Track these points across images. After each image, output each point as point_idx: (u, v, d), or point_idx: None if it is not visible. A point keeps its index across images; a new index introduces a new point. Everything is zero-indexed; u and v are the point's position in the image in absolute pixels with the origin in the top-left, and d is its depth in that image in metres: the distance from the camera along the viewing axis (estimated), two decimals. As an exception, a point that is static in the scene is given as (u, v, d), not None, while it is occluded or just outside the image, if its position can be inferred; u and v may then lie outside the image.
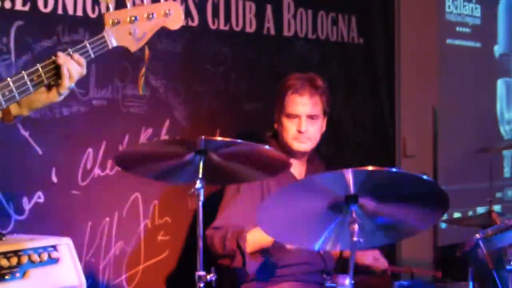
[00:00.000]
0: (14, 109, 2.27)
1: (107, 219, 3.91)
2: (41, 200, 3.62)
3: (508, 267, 3.45)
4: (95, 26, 3.70)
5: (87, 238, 3.82)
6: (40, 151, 3.60)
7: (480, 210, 5.46)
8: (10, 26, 3.51)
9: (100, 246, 3.88)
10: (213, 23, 4.40)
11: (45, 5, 3.63)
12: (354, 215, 2.98)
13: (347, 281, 2.98)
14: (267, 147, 3.35)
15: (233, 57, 4.49)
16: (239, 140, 3.19)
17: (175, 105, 4.18)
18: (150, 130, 4.07)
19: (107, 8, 2.34)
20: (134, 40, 2.36)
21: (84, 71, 2.27)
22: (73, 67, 2.21)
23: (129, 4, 2.33)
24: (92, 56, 2.28)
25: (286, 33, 4.79)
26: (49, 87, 2.25)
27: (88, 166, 3.83)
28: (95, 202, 3.86)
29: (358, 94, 5.24)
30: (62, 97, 2.26)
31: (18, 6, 3.54)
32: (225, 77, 4.46)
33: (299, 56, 4.80)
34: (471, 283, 3.58)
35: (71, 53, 2.23)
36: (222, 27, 4.44)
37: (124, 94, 3.96)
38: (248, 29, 4.58)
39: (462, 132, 5.52)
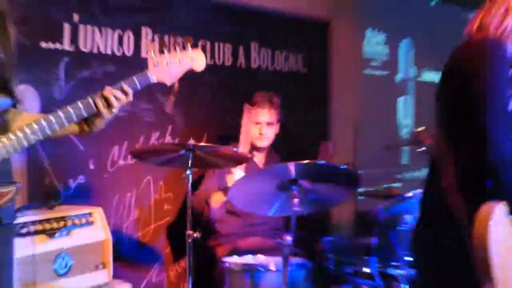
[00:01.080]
0: (86, 127, 2.22)
1: (128, 194, 3.94)
2: (82, 181, 3.67)
3: (400, 227, 3.44)
4: (120, 61, 3.77)
5: (114, 207, 3.85)
6: (82, 147, 3.62)
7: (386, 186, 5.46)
8: (61, 60, 3.52)
9: (123, 213, 3.91)
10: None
11: (85, 46, 3.64)
12: (295, 192, 3.03)
13: (289, 237, 2.99)
14: (234, 148, 3.47)
15: (218, 82, 4.48)
16: (214, 144, 3.51)
17: (176, 115, 4.16)
18: (158, 133, 4.06)
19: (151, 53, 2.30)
20: (169, 77, 2.32)
21: (131, 98, 2.21)
22: (118, 95, 2.16)
23: (165, 51, 2.29)
24: (138, 87, 2.23)
25: (253, 65, 4.78)
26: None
27: (115, 158, 3.86)
28: (119, 182, 3.89)
29: (303, 109, 5.21)
30: (111, 116, 2.20)
31: (66, 46, 3.54)
32: (212, 96, 4.45)
33: (262, 82, 4.76)
34: (375, 239, 3.58)
35: (122, 84, 2.18)
36: (209, 62, 4.43)
37: (140, 108, 3.96)
38: (227, 63, 4.56)
39: (375, 135, 5.53)
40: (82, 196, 3.60)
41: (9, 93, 2.04)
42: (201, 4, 4.36)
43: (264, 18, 4.84)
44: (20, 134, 1.97)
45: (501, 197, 2.05)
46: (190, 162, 3.09)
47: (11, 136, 1.97)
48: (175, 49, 2.35)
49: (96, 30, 3.72)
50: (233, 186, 3.31)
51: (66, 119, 2.07)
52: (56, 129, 2.05)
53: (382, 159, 5.67)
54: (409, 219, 3.41)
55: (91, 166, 3.71)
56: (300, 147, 5.06)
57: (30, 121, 2.03)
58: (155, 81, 2.28)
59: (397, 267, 3.37)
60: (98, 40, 3.73)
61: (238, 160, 3.51)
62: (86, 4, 3.66)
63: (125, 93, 2.17)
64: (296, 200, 3.05)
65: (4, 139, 1.95)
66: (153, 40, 4.02)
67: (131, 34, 3.91)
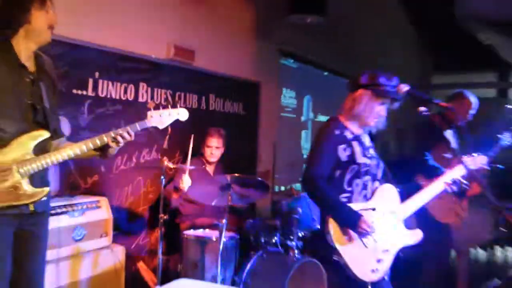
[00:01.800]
0: (102, 153, 2.21)
1: (126, 188, 3.85)
2: (96, 178, 3.58)
3: (295, 216, 3.43)
4: (125, 103, 3.72)
5: (117, 195, 3.76)
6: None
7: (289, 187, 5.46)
8: (85, 102, 3.47)
9: (123, 199, 3.83)
10: (178, 103, 4.36)
11: (102, 93, 3.59)
12: (230, 192, 3.04)
13: (224, 220, 3.00)
14: (192, 167, 3.47)
15: (190, 118, 4.41)
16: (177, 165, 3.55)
17: (159, 139, 4.11)
18: (147, 149, 4.00)
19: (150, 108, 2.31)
20: (161, 124, 2.30)
21: (133, 138, 2.19)
22: (124, 135, 2.15)
23: (161, 108, 2.31)
24: (139, 130, 2.21)
25: (211, 108, 4.77)
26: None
27: (118, 164, 3.77)
28: (121, 180, 3.80)
29: (242, 136, 5.21)
30: (118, 148, 2.20)
31: (90, 93, 3.49)
32: (183, 128, 4.39)
33: (217, 119, 4.72)
34: (279, 221, 3.55)
35: (128, 128, 2.15)
36: (182, 105, 4.39)
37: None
38: (194, 106, 4.54)
39: (286, 153, 5.59)
40: (95, 189, 3.52)
41: (48, 129, 2.03)
42: (178, 69, 4.33)
43: (218, 79, 4.83)
44: (53, 156, 2.00)
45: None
46: (163, 175, 3.09)
47: (48, 155, 2.00)
48: (167, 106, 2.34)
49: (110, 83, 3.67)
50: (193, 185, 3.33)
51: (85, 148, 2.07)
52: (78, 153, 2.06)
53: (289, 169, 5.72)
54: (300, 210, 3.44)
55: (102, 169, 3.64)
56: (239, 160, 5.07)
57: (63, 148, 2.07)
58: (151, 126, 2.28)
59: (291, 240, 3.38)
60: (111, 89, 3.68)
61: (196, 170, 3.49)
62: (104, 66, 3.61)
63: (129, 134, 2.16)
64: (230, 197, 3.08)
65: (45, 156, 1.98)
66: (147, 92, 3.99)
67: (132, 86, 3.87)
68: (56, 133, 2.14)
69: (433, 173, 3.01)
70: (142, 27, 3.96)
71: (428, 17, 7.26)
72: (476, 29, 6.23)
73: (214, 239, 3.15)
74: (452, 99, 3.62)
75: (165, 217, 3.01)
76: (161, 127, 2.31)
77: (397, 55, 9.22)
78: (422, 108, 2.48)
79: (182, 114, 2.39)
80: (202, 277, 3.07)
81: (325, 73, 6.96)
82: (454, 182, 2.62)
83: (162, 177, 3.05)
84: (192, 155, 4.00)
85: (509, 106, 3.42)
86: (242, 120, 5.23)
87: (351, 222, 2.21)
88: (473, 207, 5.76)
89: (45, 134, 2.00)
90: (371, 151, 2.43)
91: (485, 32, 6.17)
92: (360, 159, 2.35)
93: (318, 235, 2.42)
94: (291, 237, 3.35)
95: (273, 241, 3.42)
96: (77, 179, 3.36)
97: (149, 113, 2.26)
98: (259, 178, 3.21)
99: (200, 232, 3.37)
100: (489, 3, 4.67)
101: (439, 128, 3.46)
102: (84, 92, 3.47)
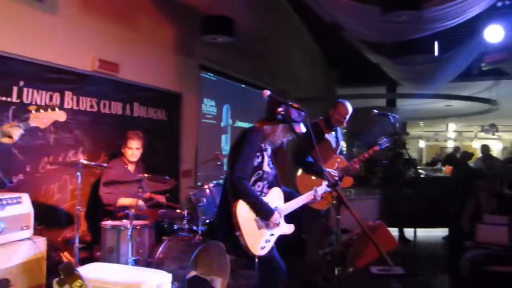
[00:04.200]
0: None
1: (52, 185, 3.76)
2: (22, 177, 3.48)
3: (200, 205, 3.48)
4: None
5: (43, 193, 3.67)
6: (21, 158, 3.46)
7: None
8: (10, 107, 3.37)
9: (49, 196, 3.73)
10: (104, 110, 4.33)
11: (27, 99, 3.50)
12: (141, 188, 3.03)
13: (132, 210, 3.02)
14: (104, 164, 3.50)
15: (113, 123, 4.38)
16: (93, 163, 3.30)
17: (86, 141, 4.08)
18: (73, 151, 3.94)
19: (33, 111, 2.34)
20: (42, 124, 2.37)
21: (22, 132, 2.28)
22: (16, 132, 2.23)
23: (41, 110, 2.34)
24: (23, 128, 2.28)
25: (135, 115, 4.75)
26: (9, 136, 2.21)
27: (44, 165, 3.68)
28: (47, 179, 3.71)
29: (165, 141, 5.21)
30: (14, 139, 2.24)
31: (14, 99, 3.38)
32: (109, 131, 4.34)
33: (141, 125, 4.68)
34: (186, 210, 3.62)
35: (17, 125, 2.23)
36: (108, 111, 4.38)
37: (63, 136, 3.84)
38: (119, 113, 4.51)
39: (207, 154, 5.63)
40: (21, 186, 3.40)
41: None
42: (104, 80, 4.30)
43: (142, 89, 4.83)
44: None
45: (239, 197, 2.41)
46: (79, 176, 3.08)
47: None
48: (47, 109, 2.39)
49: (35, 91, 3.59)
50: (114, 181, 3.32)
51: None
52: None
53: (208, 168, 5.77)
54: (205, 200, 3.53)
55: (28, 169, 3.53)
56: (164, 161, 5.09)
57: None
58: (34, 125, 2.35)
59: (197, 226, 3.46)
60: (36, 96, 3.59)
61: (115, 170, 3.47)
62: (30, 76, 3.53)
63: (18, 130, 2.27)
64: (140, 191, 3.12)
65: None
66: (72, 99, 3.94)
67: (58, 94, 3.81)
68: None
69: (310, 168, 3.27)
70: (69, 41, 3.91)
71: (329, 38, 7.62)
72: (365, 51, 6.67)
73: (128, 227, 3.16)
74: (333, 106, 3.88)
75: (81, 209, 2.99)
76: (42, 126, 2.37)
77: (306, 70, 9.65)
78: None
79: (60, 115, 2.44)
80: (117, 261, 3.08)
81: (242, 85, 7.14)
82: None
83: (78, 173, 3.03)
84: (115, 156, 4.00)
85: (374, 111, 3.72)
86: (165, 126, 5.24)
87: (268, 215, 2.50)
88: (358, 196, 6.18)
89: None
90: (271, 163, 2.65)
91: (371, 54, 6.62)
92: (265, 167, 2.61)
93: (222, 219, 2.58)
94: (197, 224, 3.44)
95: (183, 227, 3.49)
96: (1, 178, 3.24)
97: (31, 115, 2.33)
98: (166, 177, 3.28)
99: (117, 221, 3.37)
100: (364, 31, 5.04)
101: (321, 130, 3.71)
102: (9, 99, 3.37)
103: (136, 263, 3.09)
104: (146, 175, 3.13)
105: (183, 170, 5.54)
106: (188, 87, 5.66)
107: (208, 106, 6.26)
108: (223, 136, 6.66)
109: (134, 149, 3.86)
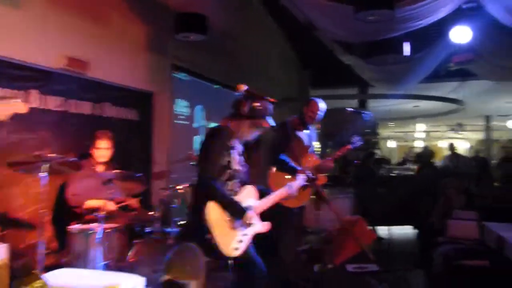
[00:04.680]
0: None
1: (15, 188, 3.54)
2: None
3: (172, 206, 3.41)
4: None
5: (4, 197, 3.46)
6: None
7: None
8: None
9: (11, 200, 3.52)
10: (72, 110, 4.16)
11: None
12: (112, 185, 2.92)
13: (103, 213, 2.91)
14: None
15: (83, 123, 4.23)
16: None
17: (53, 142, 3.89)
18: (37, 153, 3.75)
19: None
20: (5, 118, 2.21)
21: None
22: None
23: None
24: None
25: (105, 115, 4.59)
26: None
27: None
28: (8, 182, 3.48)
29: (136, 141, 5.08)
30: None
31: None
32: (78, 130, 4.18)
33: (112, 125, 4.50)
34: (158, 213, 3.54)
35: None
36: (76, 111, 4.20)
37: (29, 137, 3.65)
38: (88, 113, 4.35)
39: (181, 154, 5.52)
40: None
41: None
42: (72, 78, 4.13)
43: (113, 88, 4.68)
44: None
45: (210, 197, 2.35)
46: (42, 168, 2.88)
47: None
48: (4, 99, 2.31)
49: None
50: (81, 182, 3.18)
51: None
52: None
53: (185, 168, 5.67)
54: (177, 201, 3.45)
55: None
56: (135, 162, 4.96)
57: None
58: None
59: (170, 227, 3.38)
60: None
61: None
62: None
63: None
64: (112, 190, 3.00)
65: None
66: (39, 98, 3.76)
67: (23, 92, 3.62)
68: None
69: (283, 165, 3.23)
70: (36, 38, 3.74)
71: (302, 38, 7.64)
72: (338, 52, 6.70)
73: (95, 231, 3.01)
74: (306, 104, 3.86)
75: (46, 212, 2.84)
76: (4, 119, 2.26)
77: (280, 71, 9.65)
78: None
79: (20, 107, 2.30)
80: (86, 266, 2.93)
81: (216, 86, 7.05)
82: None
83: (42, 174, 2.87)
84: (83, 157, 3.84)
85: (348, 109, 3.72)
86: (137, 126, 5.09)
87: (240, 215, 2.43)
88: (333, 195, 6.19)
89: None
90: (242, 160, 2.58)
91: (343, 55, 6.67)
92: (235, 165, 2.54)
93: (194, 221, 2.50)
94: (169, 225, 3.35)
95: (155, 229, 3.39)
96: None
97: None
98: (138, 174, 3.16)
99: (87, 225, 3.21)
100: (339, 31, 5.07)
101: (294, 128, 3.69)
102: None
103: (107, 267, 2.96)
104: (115, 171, 3.00)
105: (155, 172, 5.40)
106: (160, 86, 5.53)
107: (181, 106, 6.15)
108: (196, 138, 6.54)
109: (103, 149, 3.70)
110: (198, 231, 2.42)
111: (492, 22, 4.79)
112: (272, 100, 2.41)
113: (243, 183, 2.66)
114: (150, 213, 3.49)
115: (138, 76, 5.15)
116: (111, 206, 3.33)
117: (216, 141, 2.48)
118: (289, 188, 2.71)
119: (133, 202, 3.69)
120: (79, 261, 2.97)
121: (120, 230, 3.22)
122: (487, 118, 14.89)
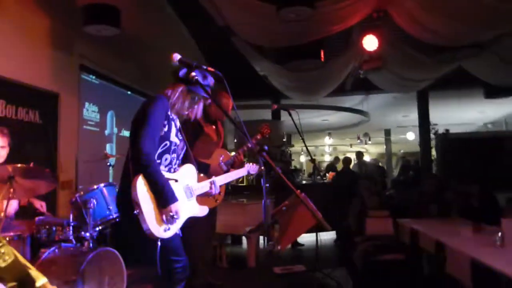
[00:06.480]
0: None
1: None
2: None
3: (88, 207, 3.06)
4: None
5: None
6: None
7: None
8: None
9: None
10: None
11: None
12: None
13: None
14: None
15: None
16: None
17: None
18: None
19: None
20: None
21: None
22: None
23: None
24: None
25: (1, 114, 4.02)
26: None
27: None
28: None
29: (39, 146, 4.53)
30: None
31: None
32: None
33: (8, 125, 3.87)
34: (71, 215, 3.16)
35: None
36: None
37: None
38: None
39: (91, 165, 5.03)
40: None
41: None
42: None
43: (9, 85, 4.13)
44: None
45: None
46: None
47: None
48: None
49: None
50: None
51: None
52: None
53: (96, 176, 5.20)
54: (95, 201, 3.08)
55: None
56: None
57: None
58: None
59: (86, 231, 3.01)
60: None
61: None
62: None
63: None
64: (12, 190, 2.56)
65: None
66: None
67: None
68: None
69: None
70: None
71: (214, 48, 7.58)
72: (252, 57, 6.70)
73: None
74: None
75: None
76: None
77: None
78: None
79: None
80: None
81: (128, 92, 6.66)
82: None
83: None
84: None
85: (275, 106, 3.67)
86: (39, 129, 4.57)
87: (165, 204, 2.16)
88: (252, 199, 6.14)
89: None
90: (179, 134, 2.38)
91: (258, 61, 6.70)
92: (173, 138, 2.33)
93: (123, 199, 2.22)
94: (87, 229, 2.97)
95: (67, 236, 2.98)
96: None
97: None
98: (46, 170, 2.76)
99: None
100: (260, 35, 5.09)
101: (200, 124, 3.54)
102: None
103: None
104: (17, 165, 2.56)
105: (61, 181, 4.85)
106: (67, 87, 5.06)
107: (90, 111, 5.67)
108: (107, 145, 6.08)
109: (-2, 149, 3.20)
110: (125, 208, 2.17)
111: (398, 31, 5.18)
112: (210, 69, 2.25)
113: (184, 161, 2.46)
114: (60, 216, 3.05)
115: (40, 73, 4.64)
116: (11, 209, 2.88)
117: (152, 110, 2.24)
118: (250, 170, 2.78)
119: (41, 206, 3.21)
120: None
121: (23, 238, 2.75)
122: (388, 131, 16.07)
